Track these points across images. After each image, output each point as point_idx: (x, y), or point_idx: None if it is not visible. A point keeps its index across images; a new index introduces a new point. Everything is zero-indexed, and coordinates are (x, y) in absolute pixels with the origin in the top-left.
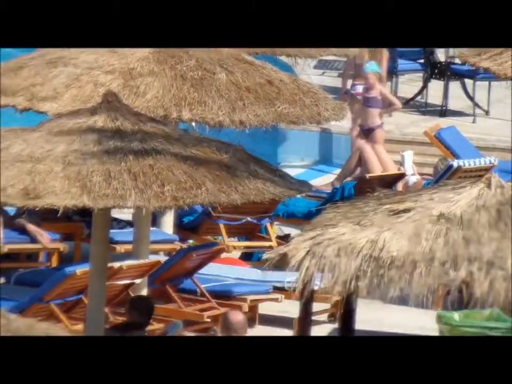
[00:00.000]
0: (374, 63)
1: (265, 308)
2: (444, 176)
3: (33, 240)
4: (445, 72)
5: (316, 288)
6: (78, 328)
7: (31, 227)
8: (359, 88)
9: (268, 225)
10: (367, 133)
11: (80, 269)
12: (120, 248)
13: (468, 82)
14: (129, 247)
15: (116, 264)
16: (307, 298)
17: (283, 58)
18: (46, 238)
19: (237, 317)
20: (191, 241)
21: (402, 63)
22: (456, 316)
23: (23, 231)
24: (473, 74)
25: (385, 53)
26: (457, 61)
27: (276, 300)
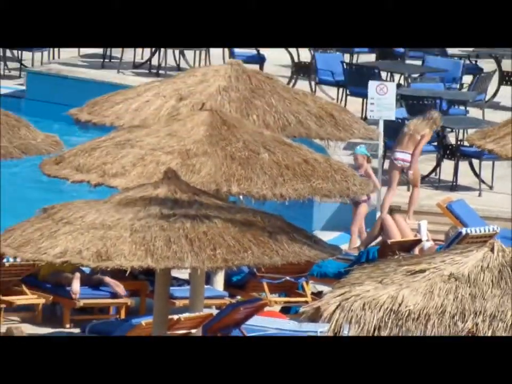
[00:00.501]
0: (364, 146)
1: None
2: (454, 242)
3: (106, 295)
4: (455, 153)
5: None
6: None
7: (108, 279)
8: None
9: (304, 283)
10: (355, 204)
11: (145, 320)
12: (178, 303)
13: (475, 162)
14: (187, 301)
15: (175, 316)
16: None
17: (317, 141)
18: (122, 288)
19: None
20: (238, 297)
21: None
22: None
23: (98, 286)
24: (480, 155)
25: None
26: (465, 143)
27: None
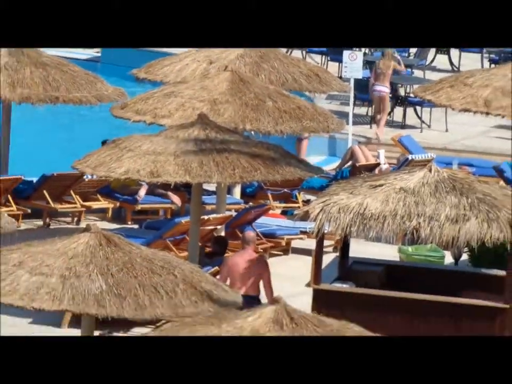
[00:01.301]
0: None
1: (295, 243)
2: (403, 165)
3: (158, 201)
4: (404, 102)
5: (325, 231)
6: (183, 255)
7: (169, 193)
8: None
9: (297, 193)
10: (299, 140)
11: (184, 219)
12: (208, 207)
13: (418, 108)
14: (214, 206)
15: (206, 217)
16: (320, 238)
17: (307, 93)
18: (177, 198)
19: (251, 233)
20: (250, 203)
21: None
22: (410, 248)
23: (158, 196)
24: (421, 103)
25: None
26: (411, 95)
27: (301, 238)
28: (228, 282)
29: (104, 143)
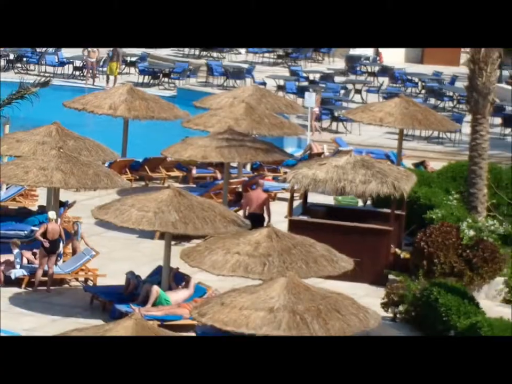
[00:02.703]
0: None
1: (279, 195)
2: (336, 153)
3: (207, 172)
4: (337, 119)
5: (295, 188)
6: (220, 201)
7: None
8: None
9: (280, 168)
10: None
11: (220, 182)
12: (232, 175)
13: (345, 122)
14: (236, 175)
15: (231, 180)
16: (292, 191)
17: (286, 114)
18: (216, 170)
19: (260, 181)
20: (255, 173)
21: None
22: (339, 197)
23: (206, 169)
24: (346, 120)
25: None
26: (341, 115)
27: (282, 192)
28: (248, 207)
29: (183, 140)
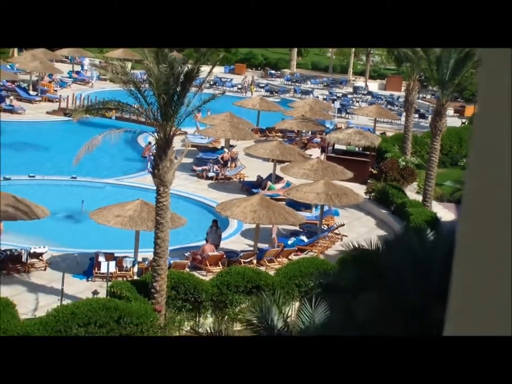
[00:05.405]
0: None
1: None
2: (348, 127)
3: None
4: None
5: (328, 142)
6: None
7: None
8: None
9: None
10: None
11: None
12: None
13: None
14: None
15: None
16: (327, 143)
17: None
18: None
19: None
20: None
21: None
22: (348, 146)
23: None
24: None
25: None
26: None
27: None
28: None
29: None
